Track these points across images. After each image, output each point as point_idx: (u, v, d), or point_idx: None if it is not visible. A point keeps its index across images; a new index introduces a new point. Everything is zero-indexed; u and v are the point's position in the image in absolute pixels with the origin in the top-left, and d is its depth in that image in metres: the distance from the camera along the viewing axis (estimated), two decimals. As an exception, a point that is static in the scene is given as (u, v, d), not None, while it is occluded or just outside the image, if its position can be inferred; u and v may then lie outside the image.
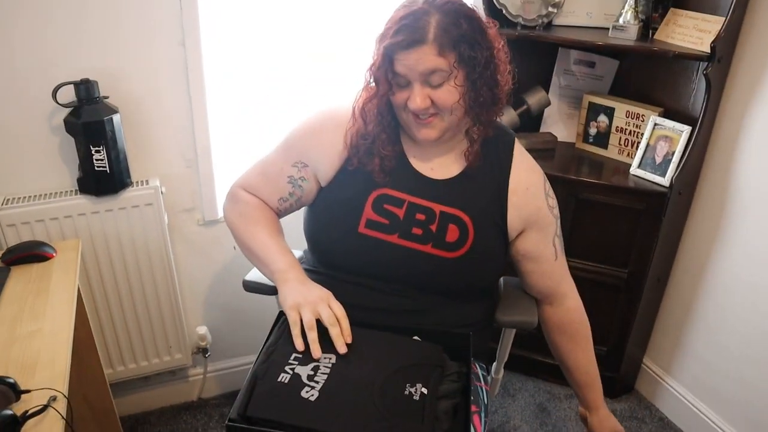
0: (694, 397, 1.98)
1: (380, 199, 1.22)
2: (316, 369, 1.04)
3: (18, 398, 0.99)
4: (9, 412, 0.92)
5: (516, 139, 1.30)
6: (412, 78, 1.09)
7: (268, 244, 1.25)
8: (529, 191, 1.26)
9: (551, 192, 1.32)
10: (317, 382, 1.01)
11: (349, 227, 1.22)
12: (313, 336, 1.06)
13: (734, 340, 1.81)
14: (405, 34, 1.07)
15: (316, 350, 1.05)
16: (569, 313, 1.41)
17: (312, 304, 1.09)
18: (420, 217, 1.21)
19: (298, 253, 1.47)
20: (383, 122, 1.20)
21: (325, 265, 1.30)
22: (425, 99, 1.10)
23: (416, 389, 1.02)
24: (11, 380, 0.98)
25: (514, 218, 1.25)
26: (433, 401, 1.01)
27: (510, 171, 1.25)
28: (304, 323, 1.07)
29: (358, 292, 1.23)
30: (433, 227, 1.20)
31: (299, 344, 1.06)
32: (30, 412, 0.96)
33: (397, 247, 1.20)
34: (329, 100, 1.80)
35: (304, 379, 1.01)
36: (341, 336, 1.07)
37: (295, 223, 1.39)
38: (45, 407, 0.98)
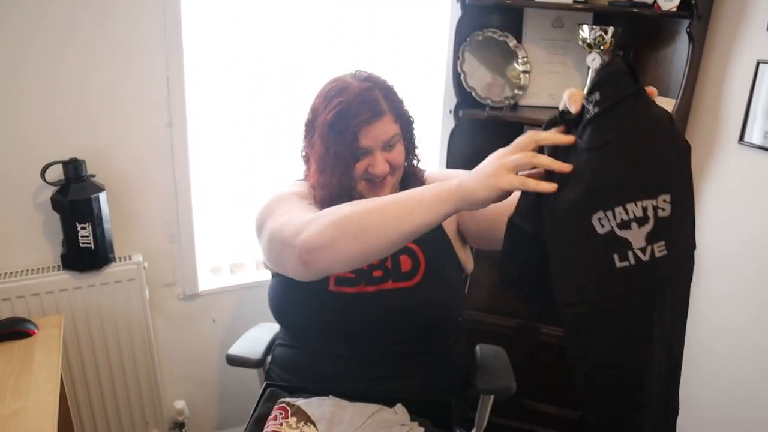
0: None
1: None
2: None
3: (5, 480, 0.99)
4: (-2, 494, 0.92)
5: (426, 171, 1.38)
6: (375, 147, 1.20)
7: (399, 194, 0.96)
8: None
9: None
10: None
11: (319, 287, 1.24)
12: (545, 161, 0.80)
13: (698, 405, 1.87)
14: (365, 111, 1.18)
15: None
16: None
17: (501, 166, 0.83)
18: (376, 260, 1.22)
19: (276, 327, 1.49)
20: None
21: (294, 332, 1.33)
22: (386, 163, 1.21)
23: None
24: (-1, 461, 0.99)
25: (447, 222, 1.29)
26: None
27: None
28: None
29: (337, 364, 1.27)
30: (389, 264, 1.27)
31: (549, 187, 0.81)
32: (19, 493, 0.96)
33: (365, 296, 1.25)
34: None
35: None
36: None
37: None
38: (33, 488, 0.98)
